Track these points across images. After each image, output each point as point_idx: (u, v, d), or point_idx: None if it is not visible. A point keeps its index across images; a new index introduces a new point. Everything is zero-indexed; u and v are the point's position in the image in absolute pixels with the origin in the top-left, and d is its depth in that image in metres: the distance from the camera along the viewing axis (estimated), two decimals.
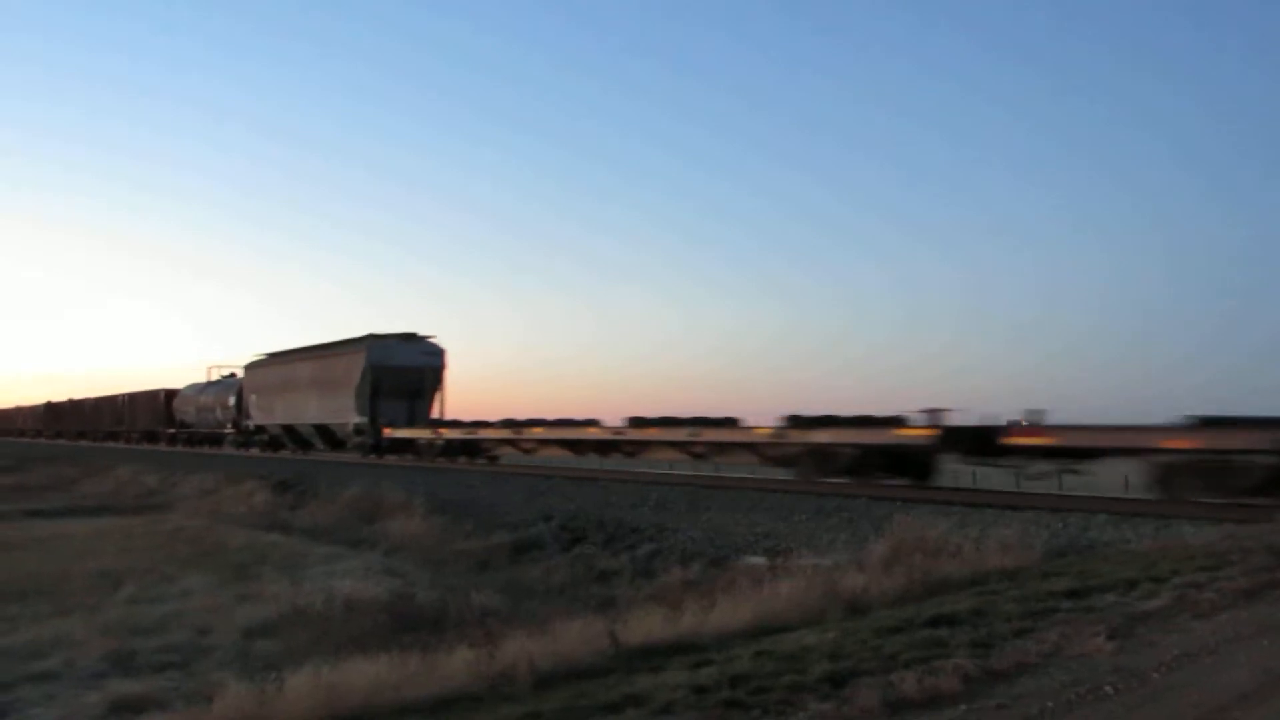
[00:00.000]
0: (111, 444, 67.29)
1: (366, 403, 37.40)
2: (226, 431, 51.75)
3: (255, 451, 47.05)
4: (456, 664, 7.07)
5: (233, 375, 53.67)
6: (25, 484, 40.41)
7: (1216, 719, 5.18)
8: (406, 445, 35.63)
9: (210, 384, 55.68)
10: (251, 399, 47.88)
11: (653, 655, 7.20)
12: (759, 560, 13.82)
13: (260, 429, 47.24)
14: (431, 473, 28.10)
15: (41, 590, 14.62)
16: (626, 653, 7.25)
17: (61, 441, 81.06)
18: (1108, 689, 5.61)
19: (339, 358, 39.80)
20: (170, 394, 60.51)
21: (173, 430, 59.32)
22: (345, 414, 38.59)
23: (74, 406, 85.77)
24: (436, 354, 38.89)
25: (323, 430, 41.50)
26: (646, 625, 8.15)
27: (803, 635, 7.45)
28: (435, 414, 37.92)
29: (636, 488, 20.60)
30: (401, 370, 37.71)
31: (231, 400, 50.75)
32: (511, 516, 19.94)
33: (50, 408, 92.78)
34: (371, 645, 9.28)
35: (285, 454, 45.03)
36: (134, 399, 68.33)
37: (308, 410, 41.94)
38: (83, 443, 74.62)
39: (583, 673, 6.82)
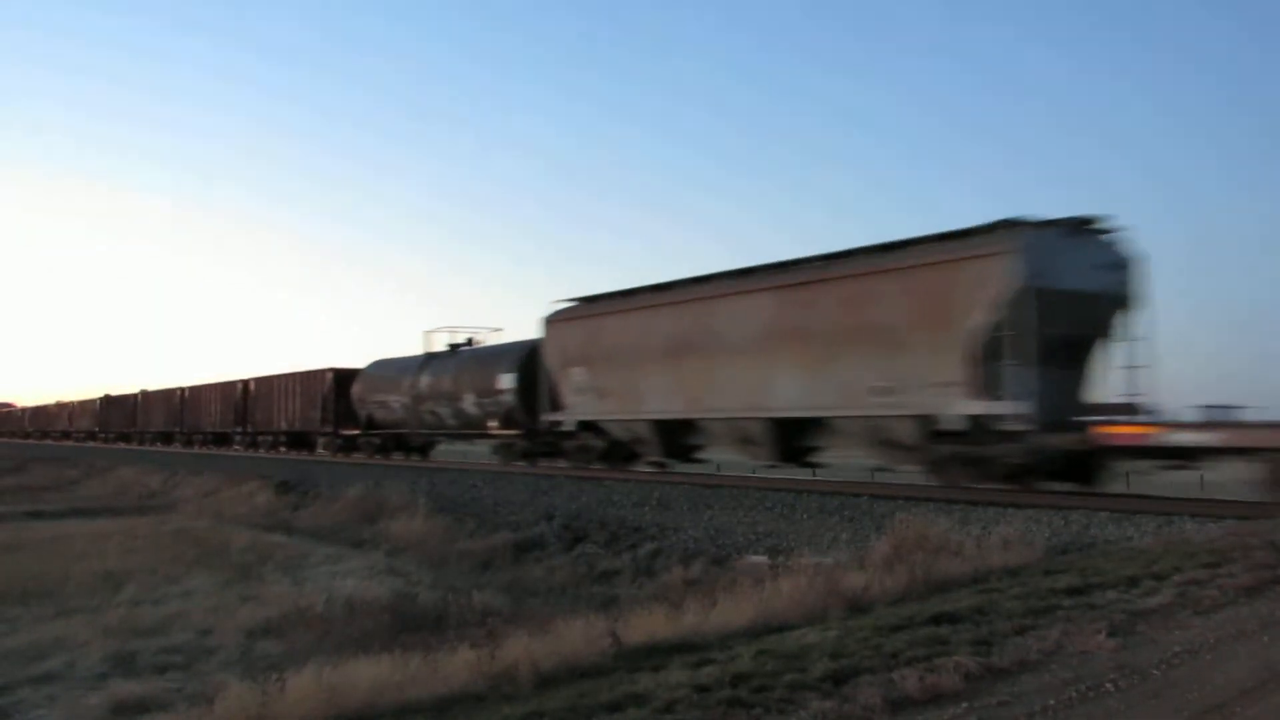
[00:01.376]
0: (215, 451, 50.96)
1: (1029, 367, 16.28)
2: (494, 433, 30.43)
3: (557, 465, 27.08)
4: (458, 664, 7.07)
5: (469, 342, 34.40)
6: (26, 485, 40.44)
7: (1218, 715, 5.18)
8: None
9: (438, 357, 34.06)
10: (571, 375, 25.51)
11: (654, 654, 7.19)
12: (760, 559, 13.82)
13: (588, 427, 25.57)
14: (433, 472, 28.10)
15: (43, 592, 14.64)
16: (628, 652, 7.25)
17: (125, 446, 64.51)
18: (1109, 686, 5.61)
19: (917, 274, 17.77)
20: (344, 376, 39.85)
21: (352, 432, 38.78)
22: (933, 393, 17.19)
23: (151, 401, 65.76)
24: (1124, 266, 17.55)
25: (791, 430, 20.26)
26: (648, 624, 8.16)
27: (804, 634, 7.45)
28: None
29: (638, 487, 20.60)
30: (1074, 299, 16.73)
31: (505, 381, 29.02)
32: (513, 516, 19.94)
33: (110, 404, 74.86)
34: (374, 645, 9.30)
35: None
36: (271, 386, 46.82)
37: (764, 389, 20.22)
38: (160, 448, 58.67)
39: (585, 672, 6.82)
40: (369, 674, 6.92)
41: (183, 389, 59.87)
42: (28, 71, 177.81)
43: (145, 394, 67.56)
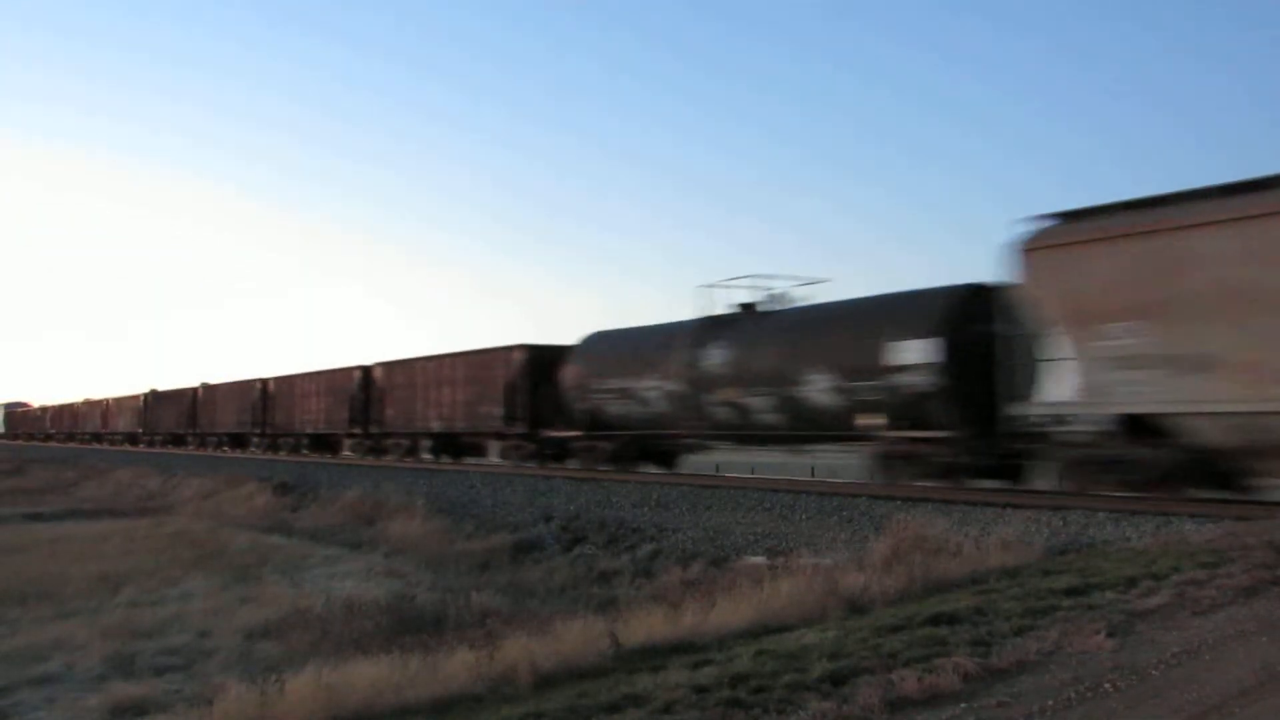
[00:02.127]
0: (315, 459, 40.23)
1: None
2: (879, 435, 18.80)
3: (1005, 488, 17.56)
4: (457, 665, 7.08)
5: (786, 296, 22.88)
6: (24, 487, 40.38)
7: (1217, 716, 5.18)
8: None
9: (732, 321, 22.95)
10: (1100, 337, 14.62)
11: (653, 655, 7.20)
12: (759, 560, 13.83)
13: (1136, 426, 14.47)
14: (432, 474, 28.08)
15: (42, 594, 14.64)
16: (627, 653, 7.26)
17: (178, 451, 55.14)
18: (1108, 686, 5.62)
19: None
20: (545, 356, 28.78)
21: (564, 433, 27.47)
22: None
23: (218, 396, 54.75)
24: None
25: None
26: (647, 625, 8.16)
27: (803, 634, 7.45)
28: None
29: (638, 488, 20.60)
30: None
31: (912, 352, 18.11)
32: (512, 517, 19.95)
33: (159, 400, 64.10)
34: (373, 646, 9.32)
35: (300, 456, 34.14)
36: (412, 374, 35.38)
37: None
38: (228, 454, 49.70)
39: (584, 673, 6.82)
40: (368, 675, 6.93)
41: (265, 380, 48.44)
42: (66, 47, 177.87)
43: (208, 387, 56.05)
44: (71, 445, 75.39)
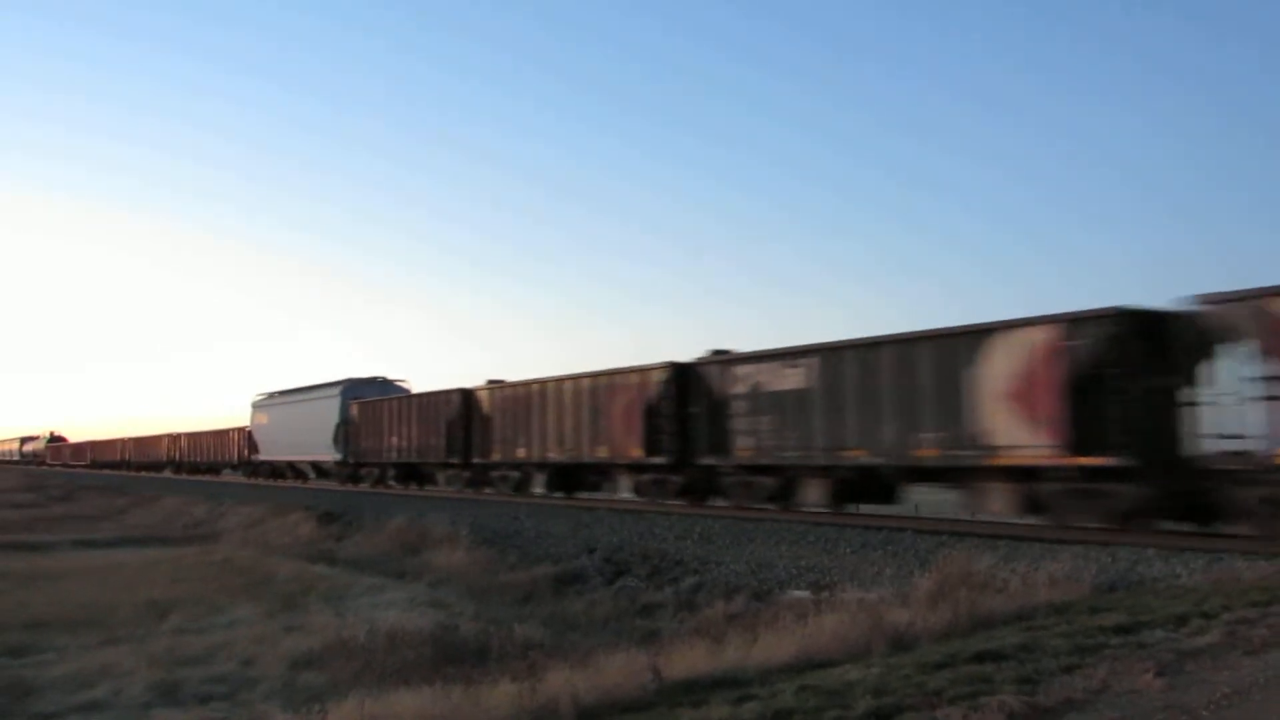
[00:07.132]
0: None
1: None
2: None
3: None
4: (500, 696, 7.09)
5: None
6: (75, 514, 40.97)
7: None
8: None
9: None
10: None
11: (695, 689, 7.17)
12: (803, 594, 13.73)
13: None
14: (476, 504, 28.17)
15: (90, 620, 14.82)
16: (669, 686, 7.23)
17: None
18: None
19: None
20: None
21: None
22: None
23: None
24: None
25: None
26: (689, 659, 8.13)
27: (846, 670, 7.38)
28: None
29: (680, 520, 20.55)
30: None
31: None
32: (555, 549, 19.95)
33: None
34: (415, 677, 9.33)
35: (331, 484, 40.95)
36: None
37: None
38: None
39: (625, 706, 6.81)
40: (411, 705, 6.96)
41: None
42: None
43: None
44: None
